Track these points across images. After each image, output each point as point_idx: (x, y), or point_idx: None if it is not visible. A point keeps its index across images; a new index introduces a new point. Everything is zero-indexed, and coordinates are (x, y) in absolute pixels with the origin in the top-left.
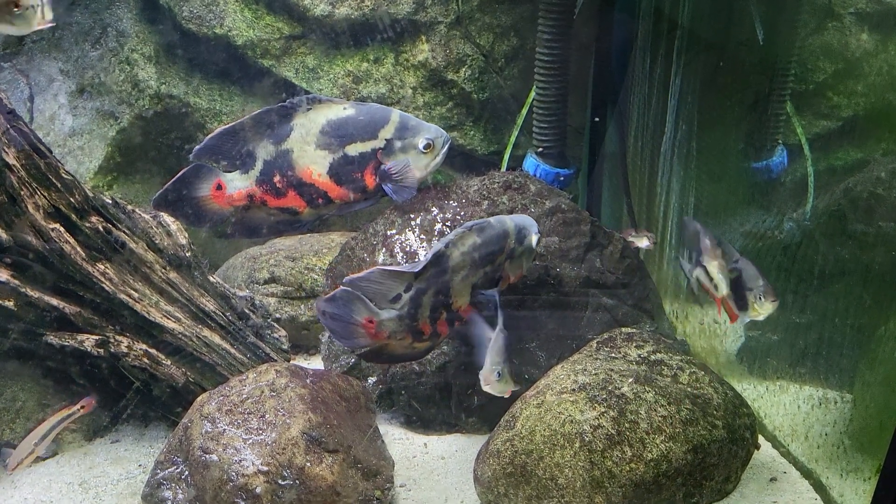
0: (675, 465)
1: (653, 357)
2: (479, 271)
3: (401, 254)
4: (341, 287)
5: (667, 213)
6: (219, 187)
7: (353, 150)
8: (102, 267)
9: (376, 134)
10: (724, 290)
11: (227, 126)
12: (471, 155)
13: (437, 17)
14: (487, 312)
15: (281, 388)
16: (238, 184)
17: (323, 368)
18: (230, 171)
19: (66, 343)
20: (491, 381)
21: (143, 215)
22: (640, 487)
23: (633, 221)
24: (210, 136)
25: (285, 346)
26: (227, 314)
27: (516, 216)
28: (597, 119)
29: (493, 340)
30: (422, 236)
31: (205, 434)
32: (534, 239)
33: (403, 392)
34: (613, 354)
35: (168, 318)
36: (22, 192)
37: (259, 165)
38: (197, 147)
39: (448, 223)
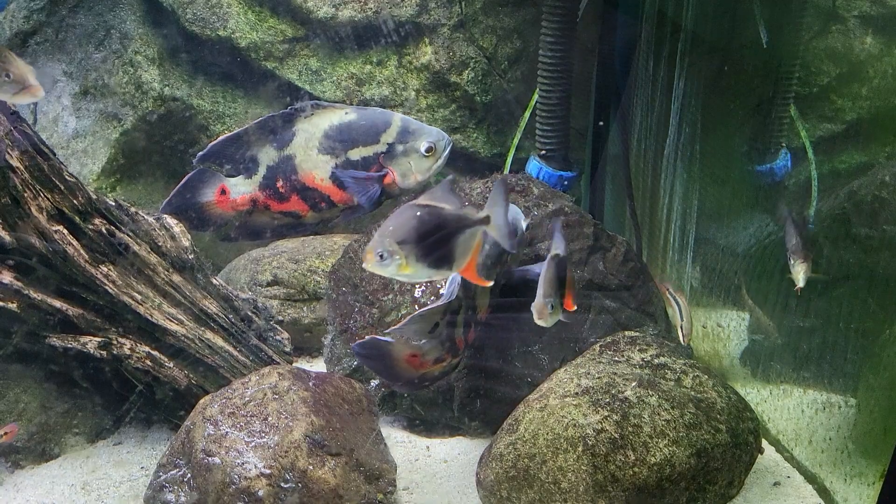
0: (679, 469)
1: (656, 361)
2: (493, 274)
3: None
4: (373, 336)
5: (670, 217)
6: (222, 192)
7: (356, 154)
8: (105, 269)
9: (378, 138)
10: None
11: (230, 133)
12: (474, 158)
13: (440, 19)
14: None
15: (283, 390)
16: (241, 188)
17: (325, 371)
18: (234, 176)
19: (69, 345)
20: (544, 314)
21: (146, 217)
22: (644, 492)
23: (636, 224)
24: (214, 141)
25: (288, 349)
26: (230, 317)
27: None
28: (601, 123)
29: (544, 268)
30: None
31: (207, 437)
32: (523, 225)
33: (406, 395)
34: (617, 358)
35: (171, 321)
36: (25, 194)
37: (262, 170)
38: (201, 152)
39: None
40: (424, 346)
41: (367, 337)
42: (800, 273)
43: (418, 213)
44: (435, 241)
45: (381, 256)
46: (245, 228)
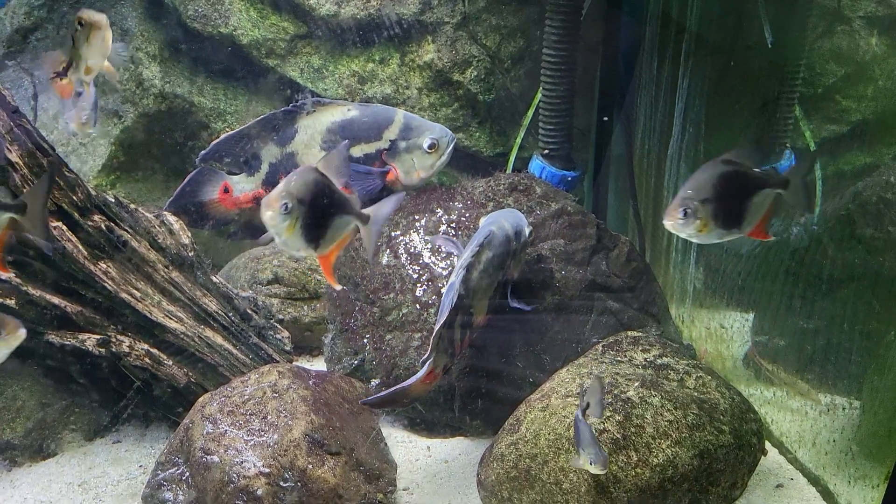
0: (682, 470)
1: (659, 361)
2: (495, 281)
3: (405, 255)
4: (392, 391)
5: None
6: (226, 190)
7: (358, 151)
8: (104, 266)
9: (380, 135)
10: None
11: (233, 131)
12: (476, 156)
13: (443, 17)
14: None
15: (283, 389)
16: (244, 186)
17: (325, 370)
18: (236, 174)
19: (67, 342)
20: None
21: (145, 214)
22: (646, 493)
23: (639, 224)
24: (217, 140)
25: (288, 348)
26: (230, 315)
27: (505, 214)
28: (605, 118)
29: (581, 430)
30: (426, 238)
31: (206, 435)
32: (526, 231)
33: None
34: (619, 358)
35: (170, 318)
36: (24, 190)
37: (265, 168)
38: (204, 151)
39: (453, 224)
40: (437, 360)
41: (383, 392)
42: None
43: (313, 178)
44: (320, 213)
45: (286, 207)
46: (248, 226)
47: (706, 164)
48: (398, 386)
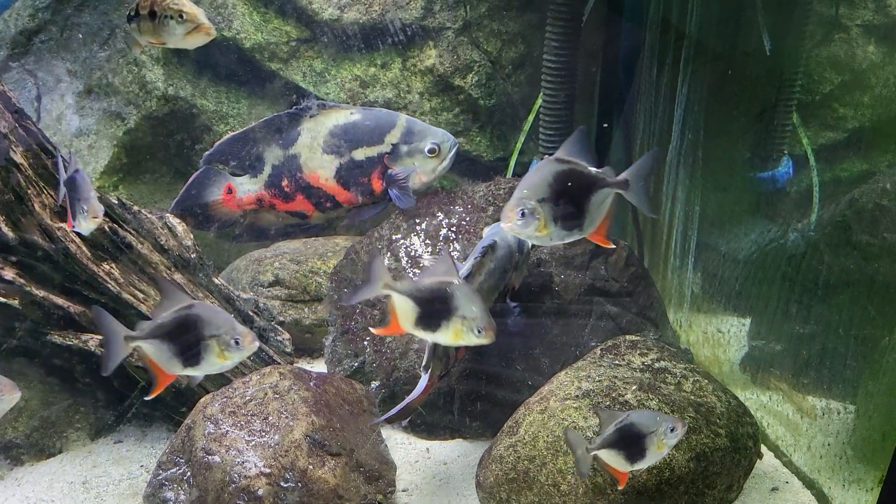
0: (678, 472)
1: (657, 365)
2: (496, 291)
3: (405, 258)
4: (405, 407)
5: (672, 222)
6: (229, 191)
7: (360, 154)
8: (108, 267)
9: (383, 138)
10: None
11: (237, 132)
12: (477, 161)
13: (445, 22)
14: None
15: (284, 390)
16: (247, 187)
17: (326, 372)
18: (239, 176)
19: (71, 342)
20: None
21: (148, 216)
22: (643, 495)
23: (638, 229)
24: (220, 141)
25: (289, 349)
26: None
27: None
28: (605, 124)
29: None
30: (427, 241)
31: (207, 435)
32: (529, 243)
33: (406, 396)
34: (617, 362)
35: None
36: (29, 191)
37: (268, 169)
38: (207, 152)
39: (453, 228)
40: (434, 369)
41: (389, 412)
42: None
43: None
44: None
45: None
46: (252, 228)
47: (540, 163)
48: (402, 403)
